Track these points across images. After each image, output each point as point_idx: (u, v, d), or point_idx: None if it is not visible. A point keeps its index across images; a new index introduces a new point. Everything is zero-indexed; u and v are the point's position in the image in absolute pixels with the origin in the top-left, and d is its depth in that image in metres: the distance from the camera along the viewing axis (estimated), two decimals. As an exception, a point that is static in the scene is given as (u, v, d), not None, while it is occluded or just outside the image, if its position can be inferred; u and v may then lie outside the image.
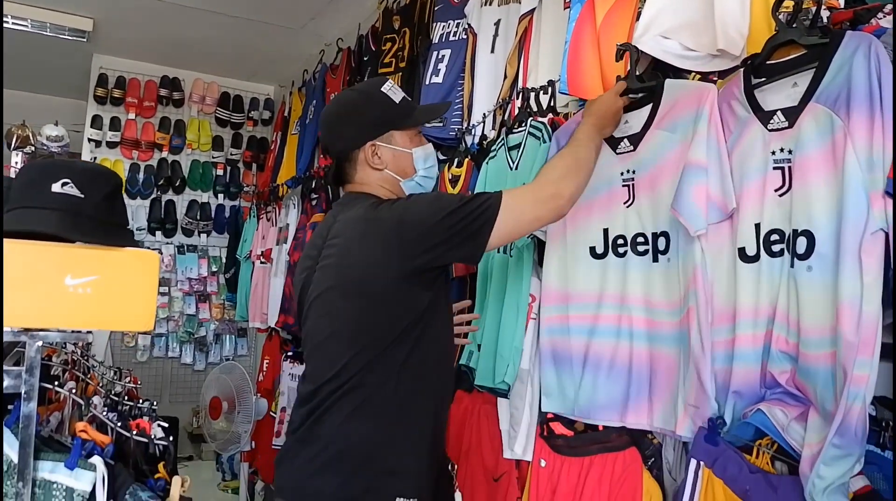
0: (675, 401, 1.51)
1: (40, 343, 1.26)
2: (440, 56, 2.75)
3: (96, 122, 5.13)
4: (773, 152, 1.33)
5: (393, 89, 1.57)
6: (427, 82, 2.72)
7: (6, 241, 1.18)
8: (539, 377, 1.84)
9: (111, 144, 5.16)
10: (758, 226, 1.36)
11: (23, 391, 1.24)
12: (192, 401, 5.30)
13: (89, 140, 5.10)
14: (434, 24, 2.87)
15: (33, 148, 4.76)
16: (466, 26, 2.63)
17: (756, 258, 1.37)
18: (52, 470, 1.27)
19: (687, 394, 1.47)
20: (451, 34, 2.76)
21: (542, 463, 1.80)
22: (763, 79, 1.37)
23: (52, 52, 4.97)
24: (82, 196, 1.28)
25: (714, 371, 1.43)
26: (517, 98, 2.19)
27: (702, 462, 1.42)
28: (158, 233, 5.29)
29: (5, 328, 1.31)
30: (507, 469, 2.00)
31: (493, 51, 2.48)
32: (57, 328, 1.26)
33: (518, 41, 2.29)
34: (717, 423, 1.41)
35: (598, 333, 1.68)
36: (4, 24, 4.35)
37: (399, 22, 3.32)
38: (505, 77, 2.35)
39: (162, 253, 5.26)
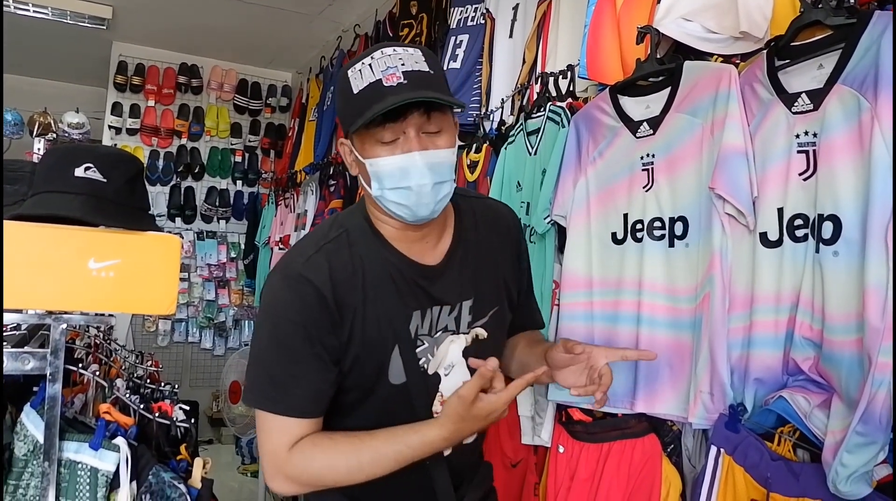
0: (689, 388, 1.51)
1: (65, 326, 1.28)
2: (458, 41, 2.74)
3: (116, 109, 5.18)
4: (798, 135, 1.31)
5: (362, 70, 1.07)
6: (445, 68, 2.71)
7: (30, 225, 1.20)
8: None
9: (131, 131, 5.21)
10: (780, 211, 1.34)
11: (48, 373, 1.26)
12: (211, 386, 5.37)
13: (109, 127, 5.16)
14: (452, 9, 2.86)
15: (55, 135, 4.81)
16: (484, 11, 2.62)
17: (778, 243, 1.35)
18: (76, 451, 1.29)
19: (699, 381, 1.46)
20: (469, 19, 2.74)
21: (561, 449, 1.80)
22: (787, 61, 1.35)
23: (72, 41, 5.02)
24: (105, 180, 1.28)
25: (731, 358, 1.42)
26: (536, 83, 2.18)
27: (722, 449, 1.41)
28: (178, 219, 5.35)
29: (30, 311, 1.33)
30: (524, 455, 2.01)
31: (511, 35, 2.47)
32: (80, 310, 1.28)
33: (536, 25, 2.27)
34: (738, 410, 1.40)
35: (621, 319, 1.67)
36: (26, 13, 4.39)
37: (416, 7, 3.31)
38: (523, 62, 2.33)
39: (181, 238, 5.31)
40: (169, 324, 5.31)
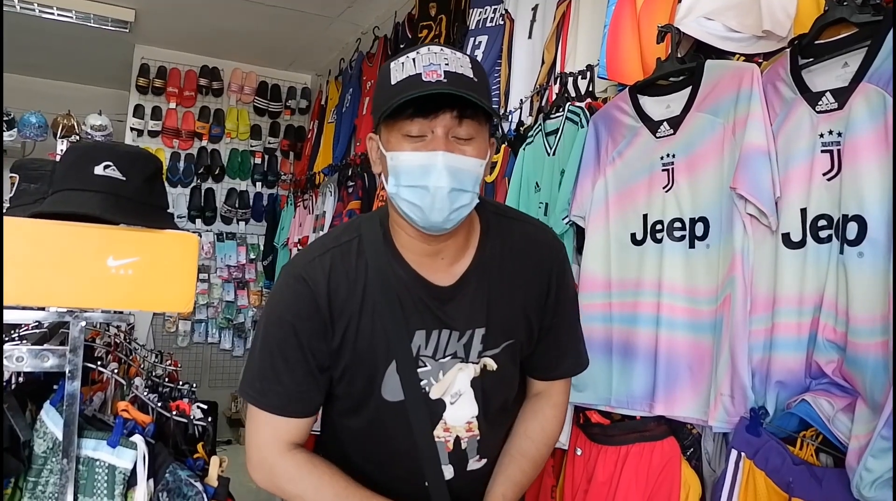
0: (709, 391, 1.48)
1: (83, 323, 1.28)
2: (477, 42, 2.73)
3: (138, 111, 5.23)
4: (822, 135, 1.29)
5: (404, 63, 1.04)
6: (463, 69, 2.70)
7: (50, 222, 1.20)
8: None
9: (153, 133, 5.26)
10: (804, 211, 1.32)
11: (67, 371, 1.27)
12: (230, 386, 5.40)
13: (131, 129, 5.21)
14: (471, 10, 2.85)
15: (78, 137, 4.87)
16: (503, 12, 2.61)
17: (802, 244, 1.33)
18: (94, 448, 1.29)
19: (720, 384, 1.44)
20: (488, 20, 2.74)
21: (578, 452, 1.78)
22: (811, 59, 1.33)
23: (95, 44, 5.08)
24: (124, 179, 1.29)
25: (752, 360, 1.40)
26: (555, 83, 2.17)
27: (743, 453, 1.39)
28: (198, 221, 5.38)
29: (51, 309, 1.34)
30: (542, 457, 1.99)
31: (530, 36, 2.46)
32: (99, 308, 1.28)
33: (556, 26, 2.26)
34: (760, 413, 1.38)
35: (640, 321, 1.65)
36: (50, 16, 4.45)
37: (435, 9, 3.31)
38: (542, 62, 2.32)
39: (201, 239, 5.36)
40: (189, 325, 5.35)
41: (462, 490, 1.22)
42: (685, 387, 1.55)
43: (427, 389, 1.17)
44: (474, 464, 1.24)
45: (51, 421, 1.34)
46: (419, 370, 1.16)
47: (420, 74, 1.01)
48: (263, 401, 1.13)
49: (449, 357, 1.17)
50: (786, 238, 1.35)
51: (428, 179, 1.03)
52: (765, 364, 1.39)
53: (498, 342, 1.20)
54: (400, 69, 1.04)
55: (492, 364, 1.20)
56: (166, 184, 5.19)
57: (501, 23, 2.64)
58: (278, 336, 1.13)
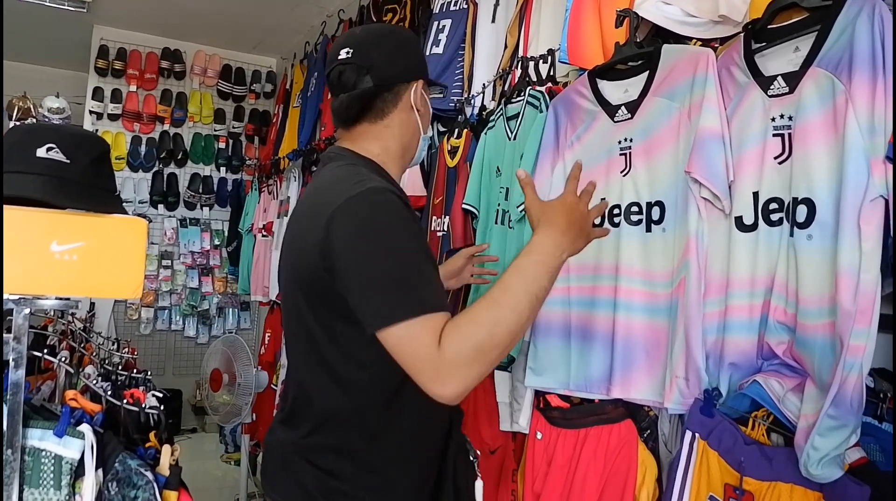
0: (665, 373, 1.50)
1: (27, 310, 1.24)
2: (441, 26, 2.70)
3: (97, 94, 5.10)
4: (773, 119, 1.30)
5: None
6: (427, 53, 2.68)
7: (-10, 206, 1.16)
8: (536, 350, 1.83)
9: (113, 117, 5.13)
10: (756, 194, 1.33)
11: (10, 359, 1.23)
12: (195, 374, 5.32)
13: (91, 112, 5.07)
14: (435, -6, 2.82)
15: (35, 120, 4.74)
16: (467, -5, 2.58)
17: (754, 228, 1.34)
18: (41, 438, 1.25)
19: (675, 366, 1.46)
20: (452, 4, 2.71)
21: (539, 435, 1.79)
22: (763, 44, 1.34)
23: (52, 23, 4.93)
24: (68, 161, 1.25)
25: (706, 342, 1.41)
26: (517, 68, 2.15)
27: (697, 434, 1.41)
28: (161, 206, 5.28)
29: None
30: (502, 441, 2.00)
31: (493, 20, 2.44)
32: (42, 294, 1.24)
33: (519, 10, 2.24)
34: (713, 394, 1.40)
35: (598, 304, 1.66)
36: (3, -5, 4.31)
37: (400, -9, 3.27)
38: (505, 47, 2.31)
39: (164, 225, 5.26)
40: (152, 312, 5.26)
41: None
42: (641, 370, 1.57)
43: None
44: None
45: (-6, 411, 1.30)
46: None
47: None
48: (427, 306, 1.05)
49: None
50: (738, 222, 1.36)
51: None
52: (718, 346, 1.40)
53: None
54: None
55: None
56: (127, 169, 5.13)
57: (465, 7, 2.61)
58: (410, 240, 1.13)
